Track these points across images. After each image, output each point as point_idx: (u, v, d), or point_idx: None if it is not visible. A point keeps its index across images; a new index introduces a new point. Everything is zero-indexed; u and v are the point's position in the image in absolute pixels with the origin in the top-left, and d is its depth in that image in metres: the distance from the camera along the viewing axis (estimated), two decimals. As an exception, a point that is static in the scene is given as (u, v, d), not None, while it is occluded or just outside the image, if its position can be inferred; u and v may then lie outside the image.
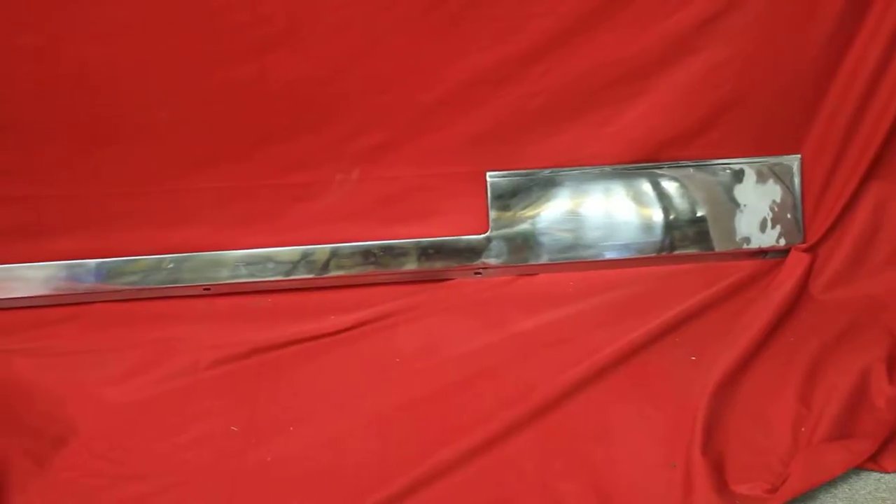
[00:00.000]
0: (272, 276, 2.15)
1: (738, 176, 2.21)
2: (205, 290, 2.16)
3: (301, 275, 2.17)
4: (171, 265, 2.14)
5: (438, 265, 2.18)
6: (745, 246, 2.23)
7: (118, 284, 2.14)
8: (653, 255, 2.22)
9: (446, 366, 2.02)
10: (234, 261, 2.14)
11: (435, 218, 2.21)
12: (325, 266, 2.16)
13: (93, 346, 2.08)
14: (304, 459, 1.84)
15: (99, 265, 2.14)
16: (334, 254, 2.17)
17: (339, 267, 2.17)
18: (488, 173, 2.17)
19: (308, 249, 2.16)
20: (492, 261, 2.18)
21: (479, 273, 2.21)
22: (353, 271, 2.18)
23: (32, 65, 2.00)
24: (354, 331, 2.11)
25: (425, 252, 2.18)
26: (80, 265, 2.14)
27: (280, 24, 2.01)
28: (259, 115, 2.09)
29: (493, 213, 2.17)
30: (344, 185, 2.17)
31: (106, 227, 2.14)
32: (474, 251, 2.18)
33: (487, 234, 2.17)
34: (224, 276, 2.15)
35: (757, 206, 2.22)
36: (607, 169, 2.19)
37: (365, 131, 2.13)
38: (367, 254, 2.17)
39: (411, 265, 2.18)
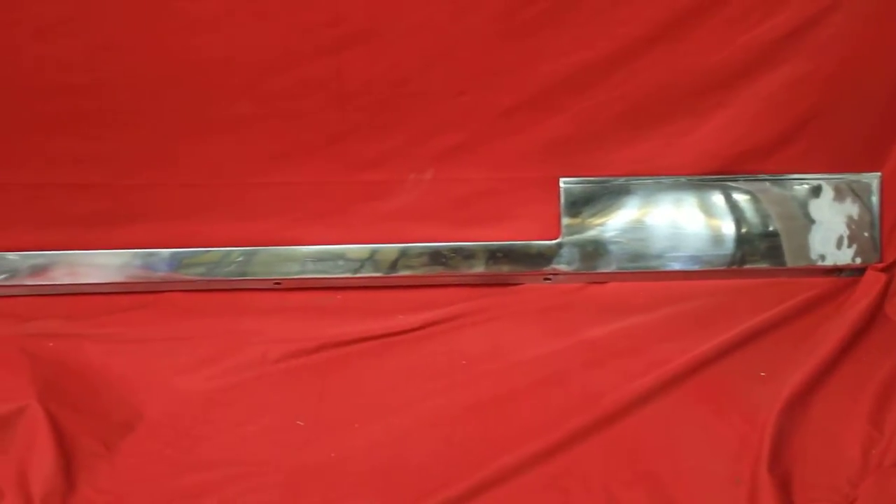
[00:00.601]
0: (342, 273, 2.16)
1: (815, 192, 2.18)
2: (275, 284, 2.17)
3: (370, 273, 2.17)
4: (242, 258, 2.16)
5: (508, 269, 2.18)
6: (819, 263, 2.19)
7: (191, 275, 2.16)
8: (723, 268, 2.20)
9: (513, 370, 2.01)
10: (305, 256, 2.16)
11: (506, 222, 2.21)
12: (395, 265, 2.17)
13: (164, 334, 2.11)
14: (367, 457, 1.83)
15: (173, 255, 2.16)
16: (404, 253, 2.17)
17: (408, 267, 2.17)
18: (562, 179, 2.16)
19: (378, 248, 2.17)
20: (562, 267, 2.17)
21: (549, 279, 2.20)
22: (422, 272, 2.18)
23: (116, 56, 2.04)
24: (422, 331, 2.11)
25: (495, 255, 2.17)
26: (153, 254, 2.17)
27: (359, 23, 2.03)
28: (335, 113, 2.10)
29: (565, 220, 2.16)
30: (417, 186, 2.18)
31: (181, 218, 2.18)
32: (545, 257, 2.17)
33: (559, 240, 2.17)
34: (295, 271, 2.16)
35: (833, 223, 2.19)
36: (682, 179, 2.18)
37: (440, 132, 2.14)
38: (436, 255, 2.17)
39: (480, 268, 2.18)
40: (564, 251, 2.17)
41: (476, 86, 2.08)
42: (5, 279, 2.18)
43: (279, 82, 2.07)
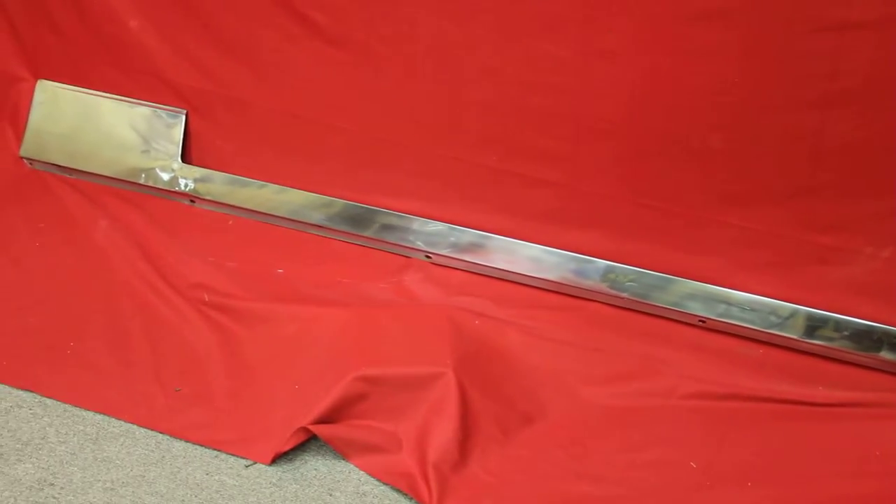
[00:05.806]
0: (770, 328, 2.10)
1: None
2: (700, 321, 2.15)
3: (799, 335, 2.10)
4: (673, 287, 2.15)
5: (950, 370, 2.03)
6: None
7: (619, 291, 2.18)
8: None
9: (930, 477, 1.88)
10: (738, 302, 2.11)
11: (958, 320, 2.07)
12: (822, 334, 2.08)
13: (582, 341, 2.14)
14: (752, 519, 1.79)
15: (607, 267, 2.19)
16: (837, 324, 2.07)
17: (835, 339, 2.08)
18: None
19: (813, 312, 2.09)
20: None
21: None
22: (852, 348, 2.07)
23: (605, 66, 2.09)
24: (841, 409, 2.01)
25: (932, 351, 2.04)
26: (589, 262, 2.20)
27: (856, 82, 1.94)
28: (805, 167, 2.04)
29: None
30: (871, 261, 2.07)
31: (624, 233, 2.20)
32: None
33: None
34: (722, 314, 2.12)
35: None
36: None
37: (912, 211, 2.03)
38: (873, 335, 2.06)
39: (910, 360, 2.05)
40: None
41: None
42: (442, 250, 2.30)
43: (756, 124, 2.03)
